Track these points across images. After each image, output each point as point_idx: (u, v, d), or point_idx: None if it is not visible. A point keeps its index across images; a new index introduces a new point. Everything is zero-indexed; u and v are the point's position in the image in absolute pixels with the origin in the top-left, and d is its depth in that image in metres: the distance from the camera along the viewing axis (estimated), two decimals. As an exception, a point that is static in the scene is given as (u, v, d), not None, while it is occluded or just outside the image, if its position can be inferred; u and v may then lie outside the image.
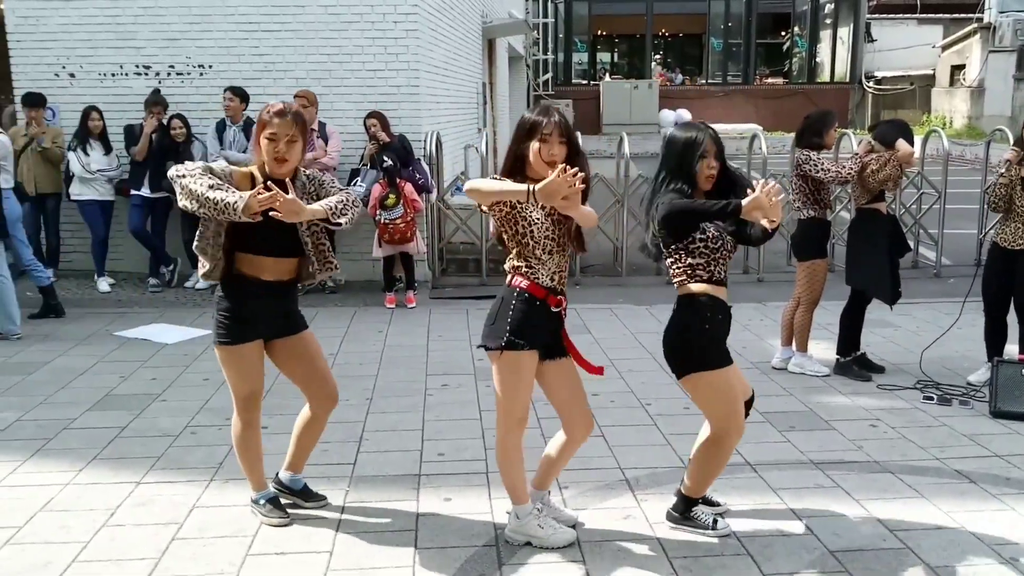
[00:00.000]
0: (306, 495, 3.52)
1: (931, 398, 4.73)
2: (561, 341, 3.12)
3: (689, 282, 3.10)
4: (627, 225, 8.05)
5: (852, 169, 5.00)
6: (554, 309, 3.02)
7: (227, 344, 3.19)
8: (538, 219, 2.95)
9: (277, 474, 3.55)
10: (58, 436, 4.29)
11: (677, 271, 3.13)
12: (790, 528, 3.30)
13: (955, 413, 4.55)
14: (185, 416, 4.55)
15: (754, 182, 2.98)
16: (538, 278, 2.99)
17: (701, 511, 3.31)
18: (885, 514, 3.40)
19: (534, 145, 2.91)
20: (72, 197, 7.50)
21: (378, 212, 6.71)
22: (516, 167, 2.97)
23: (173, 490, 3.66)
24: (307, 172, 3.29)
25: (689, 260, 3.09)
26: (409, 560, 3.08)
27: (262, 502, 3.40)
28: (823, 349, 5.49)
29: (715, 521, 3.27)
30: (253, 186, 3.08)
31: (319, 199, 3.18)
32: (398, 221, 6.71)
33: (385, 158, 6.76)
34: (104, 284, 7.62)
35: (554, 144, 2.90)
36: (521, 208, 2.92)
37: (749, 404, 3.29)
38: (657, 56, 28.38)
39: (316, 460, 3.94)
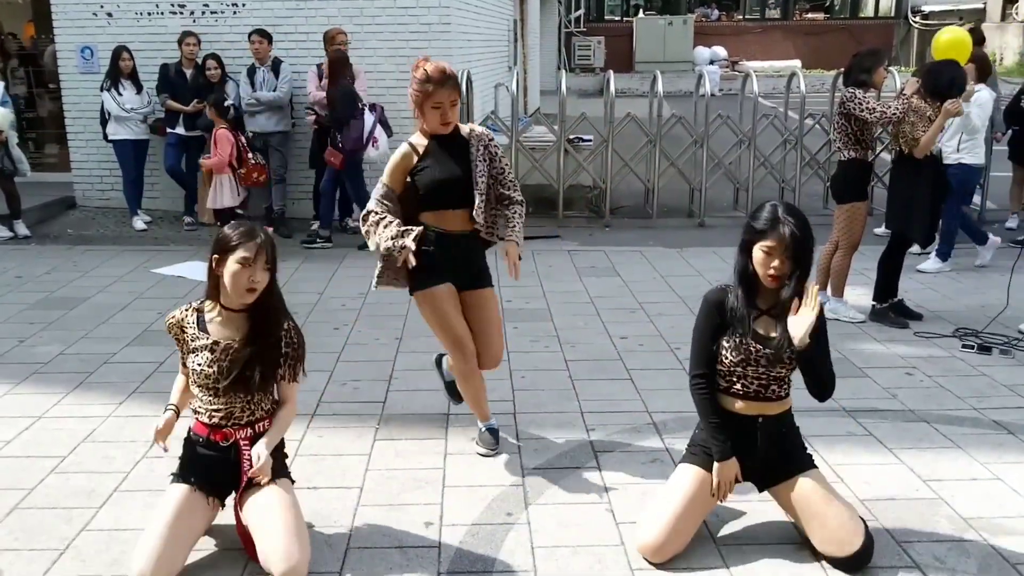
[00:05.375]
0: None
1: (970, 347, 4.63)
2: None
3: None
4: (659, 166, 7.91)
5: (897, 109, 4.83)
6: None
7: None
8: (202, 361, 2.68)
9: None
10: (99, 370, 4.40)
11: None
12: (819, 474, 3.29)
13: (995, 362, 4.46)
14: (220, 353, 4.62)
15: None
16: (199, 414, 2.75)
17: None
18: (918, 464, 3.37)
19: None
20: (108, 137, 7.57)
21: None
22: None
23: (209, 425, 3.74)
24: (473, 129, 3.30)
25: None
26: (438, 498, 3.14)
27: (483, 429, 3.51)
28: (859, 295, 5.38)
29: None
30: (418, 155, 3.19)
31: (488, 152, 3.25)
32: None
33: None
34: (139, 222, 7.70)
35: (257, 270, 2.59)
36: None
37: None
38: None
39: (347, 398, 4.01)
